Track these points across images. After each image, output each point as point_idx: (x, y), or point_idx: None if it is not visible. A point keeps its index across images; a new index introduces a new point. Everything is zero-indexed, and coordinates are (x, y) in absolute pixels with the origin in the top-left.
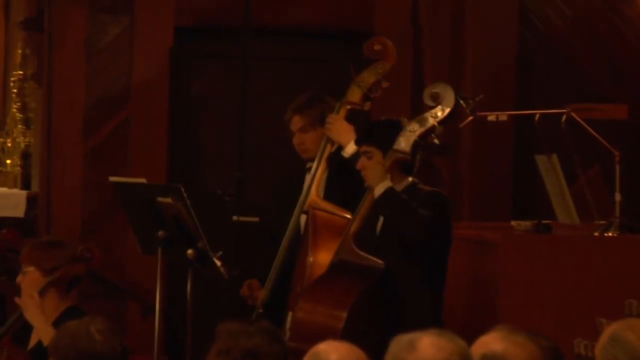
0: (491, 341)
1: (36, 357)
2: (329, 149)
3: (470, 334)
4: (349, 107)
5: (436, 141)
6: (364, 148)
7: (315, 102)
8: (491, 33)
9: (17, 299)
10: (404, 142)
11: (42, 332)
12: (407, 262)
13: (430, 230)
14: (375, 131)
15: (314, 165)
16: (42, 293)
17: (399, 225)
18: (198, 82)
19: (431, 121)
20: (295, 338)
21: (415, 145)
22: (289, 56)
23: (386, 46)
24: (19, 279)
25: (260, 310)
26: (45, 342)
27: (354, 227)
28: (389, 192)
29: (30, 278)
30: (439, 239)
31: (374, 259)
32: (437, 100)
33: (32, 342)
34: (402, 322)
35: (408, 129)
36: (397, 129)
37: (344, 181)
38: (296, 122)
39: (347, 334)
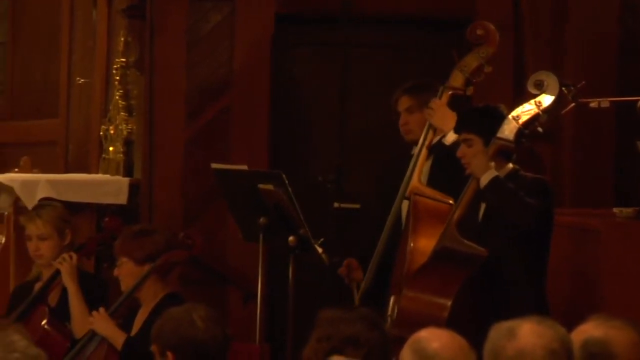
0: (590, 328)
1: (134, 344)
2: (431, 136)
3: (571, 321)
4: (451, 92)
5: (540, 129)
6: (464, 135)
7: (426, 88)
8: (593, 18)
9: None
10: (508, 131)
11: (113, 340)
12: (511, 249)
13: (537, 219)
14: (475, 118)
15: (416, 151)
16: (143, 281)
17: (506, 214)
18: (299, 69)
19: (536, 110)
20: (400, 326)
21: (520, 134)
22: (389, 43)
23: (489, 31)
24: (115, 271)
25: (354, 292)
26: (119, 347)
27: (457, 214)
28: (495, 181)
29: (125, 269)
30: (543, 226)
31: (477, 246)
32: (541, 88)
33: (135, 328)
34: (506, 310)
35: (512, 117)
36: (496, 116)
37: (447, 169)
38: (404, 102)
39: (451, 323)
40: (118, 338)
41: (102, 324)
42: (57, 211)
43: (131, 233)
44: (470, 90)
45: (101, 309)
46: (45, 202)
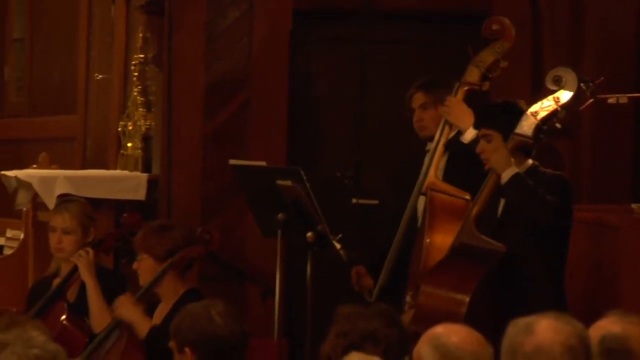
0: (608, 324)
1: (158, 335)
2: (447, 132)
3: (589, 317)
4: (467, 87)
5: (558, 125)
6: (483, 131)
7: (440, 84)
8: (611, 14)
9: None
10: (526, 127)
11: (138, 326)
12: (530, 246)
13: (557, 216)
14: (494, 114)
15: (433, 147)
16: (161, 276)
17: (526, 211)
18: (316, 65)
19: (554, 105)
20: (418, 322)
21: (538, 130)
22: (407, 39)
23: (504, 25)
24: (134, 265)
25: (366, 298)
26: (142, 335)
27: (475, 210)
28: (516, 178)
29: (144, 265)
30: (563, 223)
31: (495, 242)
32: (559, 84)
33: (155, 320)
34: (524, 306)
35: (530, 113)
36: (515, 112)
37: (463, 164)
38: (418, 99)
39: (469, 319)
40: (144, 325)
41: (128, 309)
42: (84, 208)
43: (151, 229)
44: (486, 86)
45: (127, 293)
46: (72, 197)
